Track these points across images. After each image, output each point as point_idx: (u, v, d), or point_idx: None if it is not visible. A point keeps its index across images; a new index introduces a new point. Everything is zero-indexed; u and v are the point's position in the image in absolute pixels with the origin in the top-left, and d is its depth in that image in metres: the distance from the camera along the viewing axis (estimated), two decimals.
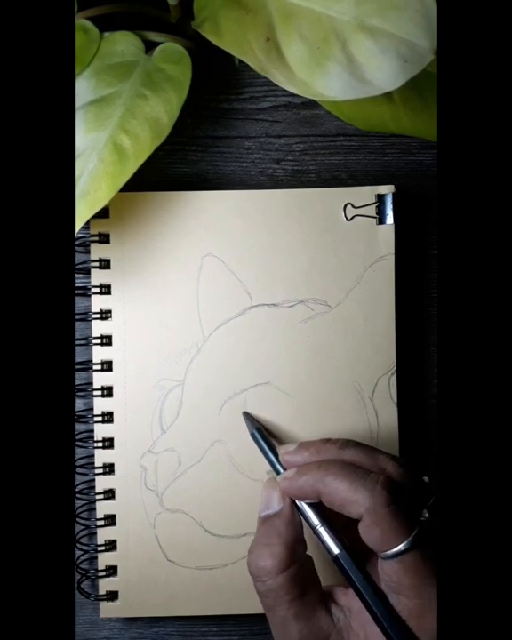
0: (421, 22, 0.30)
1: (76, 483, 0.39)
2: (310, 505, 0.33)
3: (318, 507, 0.33)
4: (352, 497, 0.30)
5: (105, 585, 0.39)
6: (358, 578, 0.31)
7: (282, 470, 0.34)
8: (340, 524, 0.33)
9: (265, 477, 0.36)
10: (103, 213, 0.38)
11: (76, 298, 0.40)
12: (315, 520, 0.33)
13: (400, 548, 0.29)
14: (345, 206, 0.39)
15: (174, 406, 0.39)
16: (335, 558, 0.32)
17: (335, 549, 0.32)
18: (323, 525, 0.32)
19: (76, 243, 0.39)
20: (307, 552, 0.33)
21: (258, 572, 0.32)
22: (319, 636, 0.31)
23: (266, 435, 0.36)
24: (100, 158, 0.34)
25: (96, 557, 0.39)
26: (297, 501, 0.33)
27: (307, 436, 0.38)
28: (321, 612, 0.32)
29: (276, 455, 0.35)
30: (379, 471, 0.31)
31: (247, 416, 0.38)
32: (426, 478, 0.33)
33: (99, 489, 0.39)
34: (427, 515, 0.31)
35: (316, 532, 0.33)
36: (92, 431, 0.39)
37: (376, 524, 0.30)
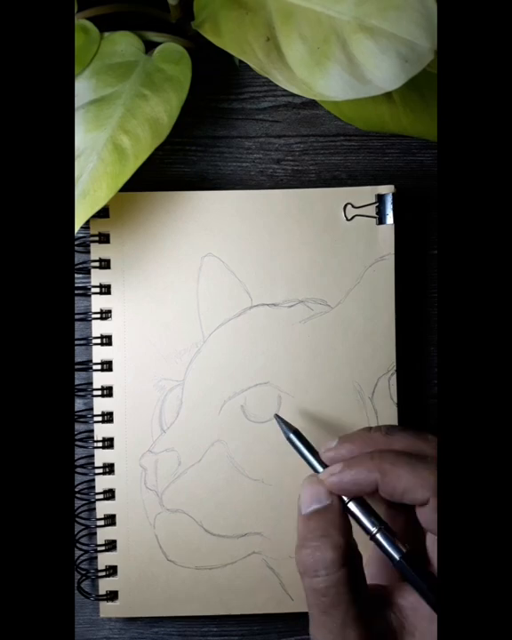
0: (421, 22, 0.30)
1: (76, 483, 0.39)
2: (364, 508, 0.32)
3: (370, 510, 0.32)
4: (417, 482, 0.29)
5: (105, 585, 0.39)
6: (424, 578, 0.30)
7: (321, 469, 0.33)
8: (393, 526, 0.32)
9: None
10: (103, 213, 0.38)
11: (76, 298, 0.40)
12: (371, 526, 0.32)
13: None
14: (345, 206, 0.39)
15: (174, 406, 0.39)
16: (399, 563, 0.31)
17: (396, 555, 0.31)
18: (380, 531, 0.31)
19: (76, 243, 0.39)
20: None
21: (316, 565, 0.30)
22: (376, 638, 0.30)
23: (303, 437, 0.35)
24: (99, 158, 0.34)
25: (96, 557, 0.39)
26: (351, 505, 0.32)
27: (306, 436, 0.38)
28: (378, 613, 0.31)
29: (315, 455, 0.34)
30: (433, 453, 0.31)
31: (280, 419, 0.36)
32: None
33: (99, 489, 0.39)
34: None
35: (372, 538, 0.32)
36: (92, 431, 0.39)
37: None
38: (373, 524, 0.32)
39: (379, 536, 0.31)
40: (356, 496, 0.32)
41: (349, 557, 0.30)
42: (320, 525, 0.31)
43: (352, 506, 0.32)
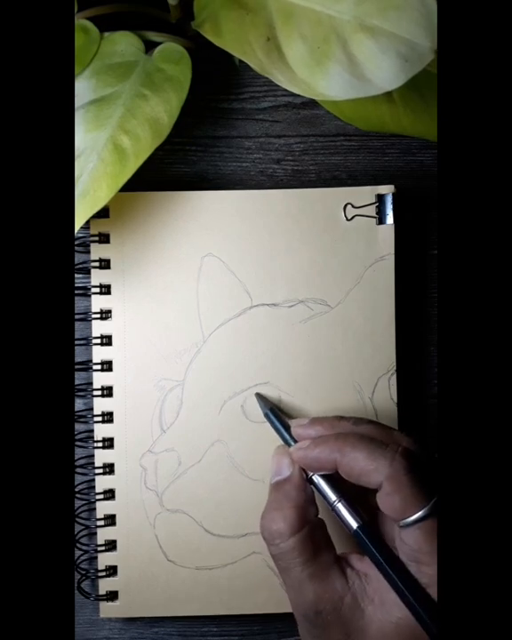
0: (422, 22, 0.30)
1: (76, 483, 0.39)
2: (326, 480, 0.34)
3: (334, 482, 0.34)
4: (372, 465, 0.31)
5: (105, 585, 0.39)
6: (378, 549, 0.32)
7: (293, 444, 0.35)
8: (355, 499, 0.33)
9: (272, 447, 0.37)
10: (103, 213, 0.38)
11: (76, 298, 0.40)
12: (332, 496, 0.33)
13: (420, 514, 0.30)
14: (345, 206, 0.39)
15: (174, 406, 0.39)
16: (355, 532, 0.33)
17: (353, 523, 0.33)
18: (340, 501, 0.33)
19: (76, 243, 0.39)
20: (319, 517, 0.34)
21: (270, 536, 0.33)
22: (333, 596, 0.32)
23: (279, 414, 0.37)
24: (100, 158, 0.34)
25: (96, 557, 0.39)
26: (315, 477, 0.34)
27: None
28: (335, 574, 0.33)
29: (288, 430, 0.36)
30: (395, 444, 0.32)
31: (259, 397, 0.38)
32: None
33: (99, 489, 0.39)
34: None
35: (333, 508, 0.33)
36: (92, 431, 0.39)
37: (396, 491, 0.30)
38: (334, 495, 0.33)
39: (338, 505, 0.33)
40: (320, 472, 0.34)
41: (299, 527, 0.32)
42: (277, 497, 0.34)
43: (316, 478, 0.34)
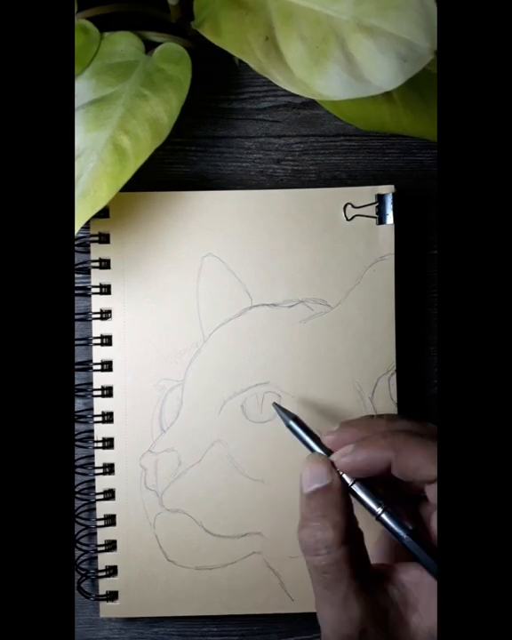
0: (421, 22, 0.30)
1: (76, 483, 0.39)
2: (368, 490, 0.32)
3: (374, 491, 0.33)
4: (429, 459, 0.30)
5: (105, 585, 0.39)
6: (423, 554, 0.31)
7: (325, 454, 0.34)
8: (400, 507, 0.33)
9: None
10: (103, 213, 0.38)
11: (76, 298, 0.40)
12: (375, 506, 0.32)
13: None
14: (345, 206, 0.39)
15: (174, 406, 0.39)
16: (407, 542, 0.32)
17: (403, 534, 0.32)
18: (385, 511, 0.32)
19: (76, 243, 0.39)
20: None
21: (317, 545, 0.31)
22: (380, 612, 0.31)
23: (303, 422, 0.36)
24: (100, 158, 0.34)
25: (96, 557, 0.39)
26: (355, 486, 0.33)
27: None
28: (380, 588, 0.31)
29: (316, 440, 0.34)
30: (426, 433, 0.32)
31: (278, 407, 0.36)
32: None
33: (99, 489, 0.39)
34: None
35: (378, 518, 0.32)
36: (92, 431, 0.39)
37: None
38: (378, 505, 0.32)
39: (384, 516, 0.32)
40: (368, 476, 0.32)
41: (349, 535, 0.31)
42: (320, 505, 0.32)
43: (356, 487, 0.33)
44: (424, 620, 0.31)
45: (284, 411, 0.36)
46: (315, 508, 0.32)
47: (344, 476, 0.33)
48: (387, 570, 0.33)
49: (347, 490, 0.33)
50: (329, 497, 0.32)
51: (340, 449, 0.33)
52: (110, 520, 0.39)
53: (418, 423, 0.33)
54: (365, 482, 0.33)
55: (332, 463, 0.33)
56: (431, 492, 0.31)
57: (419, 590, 0.31)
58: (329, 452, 0.34)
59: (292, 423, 0.35)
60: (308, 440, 0.35)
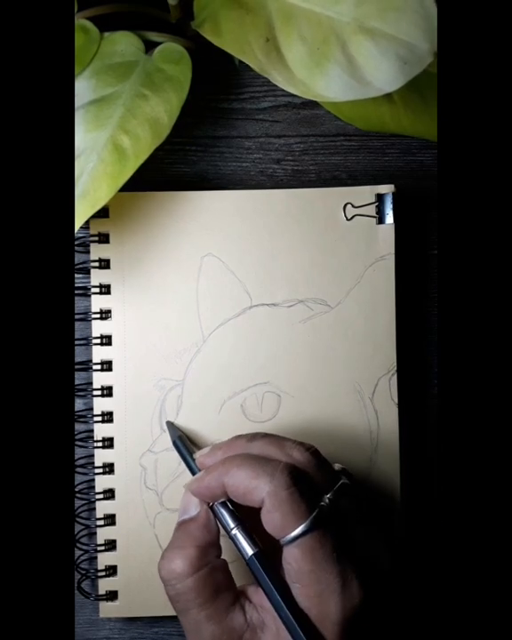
0: (421, 24, 0.30)
1: (76, 483, 0.39)
2: (226, 509, 0.33)
3: (234, 512, 0.33)
4: (253, 483, 0.30)
5: (105, 585, 0.39)
6: (262, 575, 0.31)
7: None
8: (257, 529, 0.32)
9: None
10: (103, 213, 0.38)
11: (76, 298, 0.40)
12: (230, 523, 0.32)
13: (298, 531, 0.29)
14: (345, 206, 0.39)
15: (174, 406, 0.39)
16: (249, 560, 0.32)
17: (248, 551, 0.32)
18: (237, 528, 0.32)
19: (75, 243, 0.39)
20: (222, 556, 0.33)
21: (168, 576, 0.32)
22: (232, 635, 0.31)
23: (187, 443, 0.37)
24: (100, 158, 0.34)
25: (96, 557, 0.39)
26: (215, 506, 0.33)
27: (306, 436, 0.38)
28: (234, 613, 0.32)
29: (193, 460, 0.35)
30: (285, 458, 0.31)
31: (170, 425, 0.38)
32: (338, 465, 0.34)
33: (99, 489, 0.39)
34: (328, 499, 0.31)
35: (230, 536, 0.32)
36: (92, 431, 0.39)
37: (276, 507, 0.30)
38: (233, 522, 0.32)
39: (235, 532, 0.32)
40: (219, 500, 0.33)
41: (200, 566, 0.32)
42: (180, 536, 0.33)
43: (217, 506, 0.33)
44: (272, 638, 0.31)
45: (172, 427, 0.38)
46: (176, 538, 0.33)
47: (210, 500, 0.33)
48: (249, 591, 0.33)
49: (211, 516, 0.33)
50: (190, 528, 0.33)
51: (196, 477, 0.33)
52: (110, 520, 0.39)
53: (274, 442, 0.33)
54: (230, 503, 0.33)
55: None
56: (263, 520, 0.31)
57: (265, 612, 0.32)
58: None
59: (176, 440, 0.37)
60: (188, 460, 0.35)
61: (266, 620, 0.32)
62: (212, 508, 0.33)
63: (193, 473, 0.35)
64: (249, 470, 0.31)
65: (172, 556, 0.32)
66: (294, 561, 0.30)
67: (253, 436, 0.33)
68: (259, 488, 0.30)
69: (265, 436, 0.33)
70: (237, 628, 0.31)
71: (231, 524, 0.32)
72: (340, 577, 0.30)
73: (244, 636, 0.31)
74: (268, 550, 0.32)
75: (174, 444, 0.37)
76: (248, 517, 0.32)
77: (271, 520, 0.30)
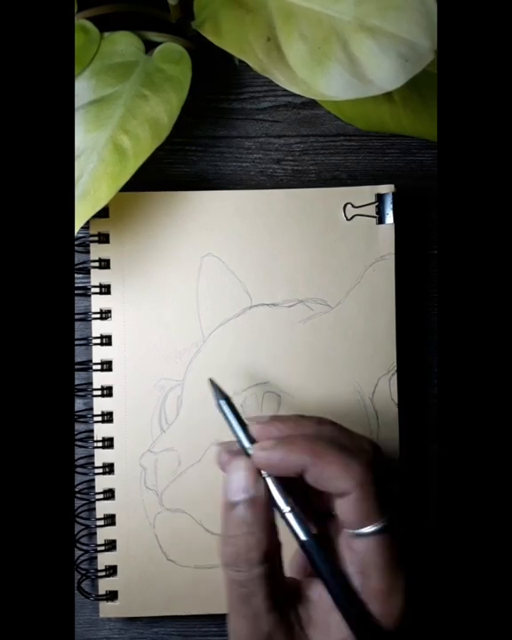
0: (421, 22, 0.30)
1: (76, 483, 0.39)
2: (282, 486, 0.31)
3: (287, 489, 0.31)
4: (344, 472, 0.30)
5: (105, 585, 0.39)
6: (325, 564, 0.31)
7: (249, 445, 0.32)
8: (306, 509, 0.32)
9: (217, 450, 0.33)
10: (103, 213, 0.38)
11: (76, 298, 0.40)
12: (284, 505, 0.31)
13: (378, 526, 0.30)
14: (345, 206, 0.39)
15: (174, 406, 0.39)
16: (302, 544, 0.31)
17: (303, 536, 0.31)
18: (292, 511, 0.31)
19: (75, 243, 0.39)
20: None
21: (236, 562, 0.30)
22: (286, 628, 0.30)
23: (234, 406, 0.33)
24: (100, 158, 0.34)
25: (96, 557, 0.39)
26: (268, 481, 0.31)
27: None
28: (289, 604, 0.31)
29: (244, 428, 0.32)
30: (363, 452, 0.31)
31: (213, 384, 0.34)
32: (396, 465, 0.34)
33: (98, 489, 0.39)
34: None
35: (283, 516, 0.31)
36: (92, 431, 0.39)
37: (363, 499, 0.30)
38: (287, 503, 0.31)
39: (289, 515, 0.31)
40: (282, 475, 0.31)
41: (271, 553, 0.30)
42: (244, 519, 0.31)
43: (269, 481, 0.31)
44: (321, 636, 0.30)
45: (218, 389, 0.34)
46: (239, 522, 0.31)
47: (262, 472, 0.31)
48: (296, 585, 0.32)
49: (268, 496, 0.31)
50: (254, 511, 0.31)
51: (262, 444, 0.31)
52: (110, 520, 0.39)
53: (347, 433, 0.32)
54: (281, 479, 0.31)
55: (259, 471, 0.31)
56: (340, 508, 0.30)
57: (320, 606, 0.31)
58: (252, 441, 0.32)
59: (222, 403, 0.33)
60: (234, 424, 0.33)
61: (313, 616, 0.31)
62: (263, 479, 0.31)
63: (239, 440, 0.32)
64: (338, 457, 0.30)
65: (244, 543, 0.30)
66: (366, 553, 0.30)
67: (321, 420, 0.32)
68: (348, 477, 0.30)
69: (332, 422, 0.32)
70: (290, 622, 0.31)
71: (285, 505, 0.31)
72: (405, 579, 0.30)
73: (295, 630, 0.31)
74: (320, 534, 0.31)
75: (219, 406, 0.33)
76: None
77: (354, 511, 0.30)
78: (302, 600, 0.32)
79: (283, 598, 0.31)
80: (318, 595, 0.31)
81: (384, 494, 0.30)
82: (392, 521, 0.30)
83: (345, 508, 0.30)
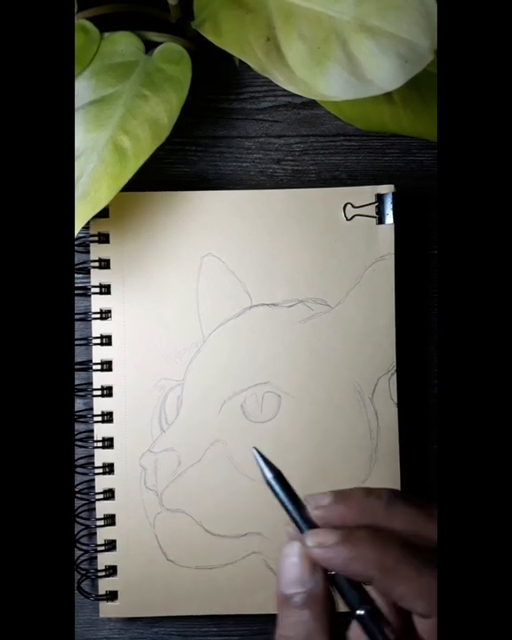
0: (421, 22, 0.30)
1: (76, 483, 0.39)
2: (351, 583, 0.26)
3: (355, 583, 0.26)
4: (421, 593, 0.25)
5: (105, 585, 0.39)
6: None
7: (305, 528, 0.27)
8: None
9: (284, 532, 0.28)
10: (103, 213, 0.38)
11: (76, 298, 0.40)
12: (356, 603, 0.26)
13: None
14: (345, 206, 0.39)
15: (174, 406, 0.39)
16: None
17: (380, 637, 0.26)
18: (368, 613, 0.26)
19: (75, 243, 0.39)
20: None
21: None
22: None
23: (286, 481, 0.28)
24: (100, 159, 0.34)
25: (96, 557, 0.39)
26: (337, 577, 0.26)
27: (306, 436, 0.38)
28: None
29: (300, 508, 0.27)
30: (427, 536, 0.26)
31: (261, 456, 0.29)
32: None
33: (98, 489, 0.39)
34: None
35: (356, 616, 0.26)
36: (92, 431, 0.39)
37: (427, 594, 0.25)
38: (360, 602, 0.26)
39: (365, 617, 0.26)
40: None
41: None
42: (301, 615, 0.27)
43: (340, 578, 0.27)
44: None
45: (268, 463, 0.29)
46: (295, 620, 0.27)
47: None
48: None
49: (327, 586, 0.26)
50: (311, 606, 0.26)
51: (321, 536, 0.26)
52: (110, 520, 0.39)
53: (419, 513, 0.27)
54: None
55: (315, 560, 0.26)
56: (421, 625, 0.26)
57: None
58: (310, 525, 0.27)
59: (273, 478, 0.28)
60: (289, 506, 0.27)
61: None
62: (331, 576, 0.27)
63: (295, 522, 0.27)
64: (413, 572, 0.25)
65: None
66: (433, 634, 0.25)
67: (392, 499, 0.27)
68: (427, 599, 0.25)
69: (405, 499, 0.27)
70: None
71: (357, 603, 0.26)
72: None
73: None
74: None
75: (269, 483, 0.28)
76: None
77: (425, 604, 0.25)
78: None
79: None
80: None
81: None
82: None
83: (426, 627, 0.26)
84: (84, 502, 0.39)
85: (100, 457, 0.39)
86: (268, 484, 0.28)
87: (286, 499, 0.28)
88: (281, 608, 0.27)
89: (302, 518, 0.27)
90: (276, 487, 0.28)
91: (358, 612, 0.26)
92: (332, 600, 0.26)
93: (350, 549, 0.26)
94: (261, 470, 0.28)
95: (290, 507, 0.27)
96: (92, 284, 0.39)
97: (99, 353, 0.39)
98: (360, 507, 0.27)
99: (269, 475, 0.28)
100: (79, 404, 0.40)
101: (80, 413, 0.39)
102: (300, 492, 0.28)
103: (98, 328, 0.39)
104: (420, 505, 0.27)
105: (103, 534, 0.39)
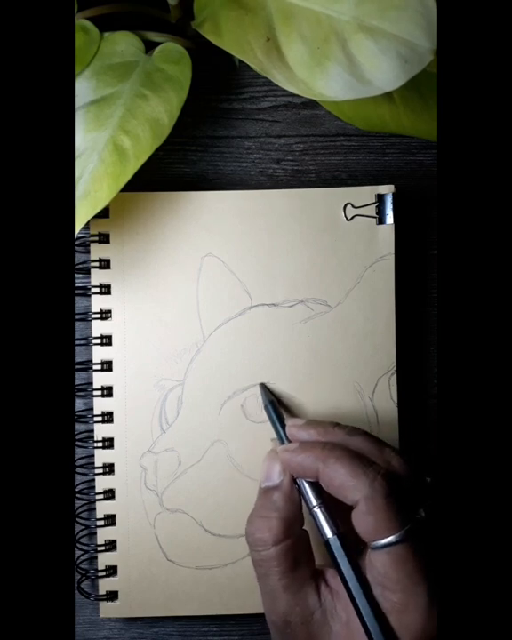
0: (421, 22, 0.30)
1: (76, 483, 0.39)
2: (310, 484, 0.33)
3: (318, 487, 0.33)
4: (351, 482, 0.31)
5: (105, 585, 0.39)
6: (345, 565, 0.31)
7: (281, 444, 0.35)
8: (338, 509, 0.33)
9: (270, 446, 0.37)
10: (103, 213, 0.38)
11: (76, 298, 0.40)
12: (313, 500, 0.33)
13: (391, 539, 0.30)
14: (345, 206, 0.39)
15: (174, 406, 0.39)
16: (326, 542, 0.32)
17: (328, 533, 0.32)
18: (320, 507, 0.33)
19: (76, 243, 0.39)
20: (303, 528, 0.34)
21: (253, 542, 0.33)
22: (304, 611, 0.32)
23: (278, 408, 0.37)
24: (100, 159, 0.34)
25: (96, 557, 0.39)
26: (298, 479, 0.34)
27: None
28: (309, 589, 0.32)
29: (283, 428, 0.35)
30: (383, 463, 0.32)
31: (263, 388, 0.38)
32: (429, 479, 0.34)
33: (99, 489, 0.39)
34: (423, 513, 0.31)
35: (311, 513, 0.33)
36: (92, 431, 0.39)
37: (371, 512, 0.30)
38: (316, 500, 0.33)
39: (317, 511, 0.33)
40: (303, 478, 0.33)
41: (285, 536, 0.32)
42: (265, 504, 0.34)
43: (301, 481, 0.34)
44: (344, 631, 0.31)
45: (266, 391, 0.38)
46: (261, 505, 0.34)
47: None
48: (328, 574, 0.33)
49: (294, 487, 0.34)
50: (274, 497, 0.33)
51: (288, 446, 0.34)
52: (110, 520, 0.39)
53: (375, 445, 0.33)
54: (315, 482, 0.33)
55: None
56: (353, 518, 0.31)
57: (338, 599, 0.32)
58: (287, 440, 0.35)
59: (268, 405, 0.37)
60: (277, 425, 0.36)
61: (337, 606, 0.32)
62: (295, 479, 0.34)
63: (280, 438, 0.36)
64: (349, 467, 0.31)
65: (259, 524, 0.33)
66: (382, 566, 0.30)
67: (354, 431, 0.33)
68: (356, 488, 0.30)
69: (365, 433, 0.33)
70: (310, 605, 0.32)
71: (314, 501, 0.33)
72: (428, 595, 0.30)
73: (315, 615, 0.32)
74: (349, 535, 0.32)
75: (266, 408, 0.37)
76: (330, 498, 0.33)
77: (364, 523, 0.30)
78: (333, 592, 0.33)
79: (303, 582, 0.32)
80: (338, 586, 0.32)
81: (401, 507, 0.30)
82: (411, 533, 0.30)
83: (355, 518, 0.31)
84: (84, 502, 0.39)
85: (101, 457, 0.39)
86: (265, 408, 0.37)
87: (276, 420, 0.36)
88: (259, 498, 0.34)
89: (284, 436, 0.35)
90: (270, 410, 0.37)
91: (313, 505, 0.33)
92: (295, 493, 0.34)
93: (304, 452, 0.32)
94: (262, 399, 0.38)
95: (278, 426, 0.36)
96: (92, 283, 0.39)
97: (99, 353, 0.39)
98: (325, 430, 0.34)
99: (265, 401, 0.37)
100: (79, 404, 0.40)
101: (80, 413, 0.39)
102: None
103: (98, 328, 0.39)
104: (378, 440, 0.33)
105: (103, 534, 0.39)
